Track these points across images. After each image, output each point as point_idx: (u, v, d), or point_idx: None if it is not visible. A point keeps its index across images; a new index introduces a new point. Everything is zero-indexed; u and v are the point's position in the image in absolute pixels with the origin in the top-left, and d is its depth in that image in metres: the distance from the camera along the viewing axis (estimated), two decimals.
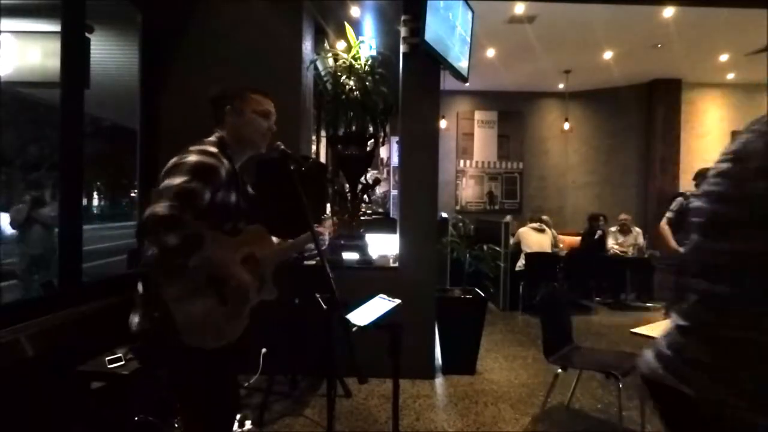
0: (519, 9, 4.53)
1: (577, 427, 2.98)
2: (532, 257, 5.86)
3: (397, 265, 3.68)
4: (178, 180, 1.35)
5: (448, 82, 4.56)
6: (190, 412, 1.51)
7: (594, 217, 6.72)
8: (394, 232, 3.84)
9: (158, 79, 3.48)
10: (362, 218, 4.23)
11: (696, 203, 0.96)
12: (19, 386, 2.01)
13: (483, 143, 7.75)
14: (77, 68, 2.54)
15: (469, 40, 4.14)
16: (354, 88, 3.70)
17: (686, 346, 0.87)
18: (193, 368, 1.43)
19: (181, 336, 1.35)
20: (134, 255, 3.37)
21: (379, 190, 7.15)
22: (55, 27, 2.50)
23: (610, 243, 6.52)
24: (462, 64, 4.05)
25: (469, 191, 7.80)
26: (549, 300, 3.08)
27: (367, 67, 3.74)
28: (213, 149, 1.51)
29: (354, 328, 1.72)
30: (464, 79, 4.20)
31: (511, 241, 6.04)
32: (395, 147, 7.30)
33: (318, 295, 2.97)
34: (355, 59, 3.73)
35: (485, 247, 4.88)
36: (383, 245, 3.97)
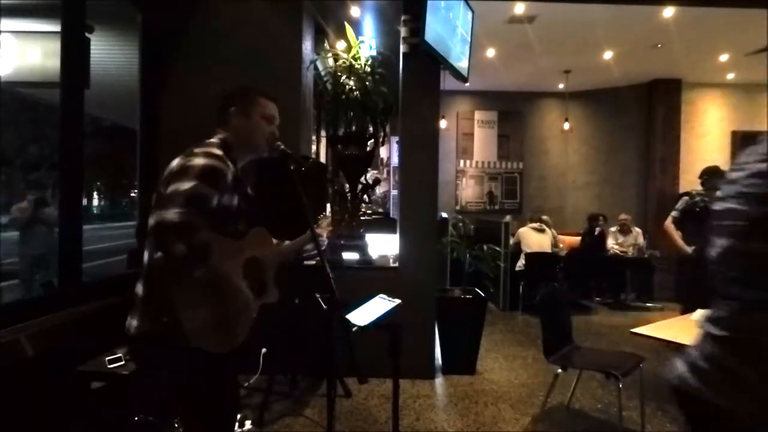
0: (519, 9, 4.53)
1: (577, 427, 2.98)
2: (532, 257, 5.86)
3: (397, 265, 3.68)
4: (187, 185, 1.33)
5: (448, 82, 4.56)
6: (190, 412, 1.51)
7: (594, 217, 6.72)
8: (394, 232, 3.84)
9: (158, 79, 3.48)
10: (362, 218, 4.23)
11: (726, 205, 0.89)
12: (19, 386, 2.01)
13: (483, 143, 7.75)
14: (77, 68, 2.53)
15: (469, 40, 4.15)
16: (354, 88, 3.70)
17: (725, 357, 0.83)
18: (194, 369, 1.42)
19: (189, 341, 1.35)
20: (134, 255, 3.37)
21: (379, 190, 7.15)
22: (55, 27, 2.50)
23: (610, 243, 6.52)
24: (462, 64, 4.05)
25: (469, 191, 7.80)
26: (549, 300, 3.08)
27: (367, 67, 3.74)
28: (218, 151, 1.48)
29: (354, 328, 1.72)
30: (464, 79, 4.20)
31: (511, 241, 6.04)
32: (395, 147, 7.30)
33: (318, 295, 2.97)
34: (355, 59, 3.73)
35: (485, 247, 4.88)
36: (383, 245, 3.97)
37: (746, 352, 0.80)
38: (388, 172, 8.04)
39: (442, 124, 6.87)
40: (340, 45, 4.09)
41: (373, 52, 3.97)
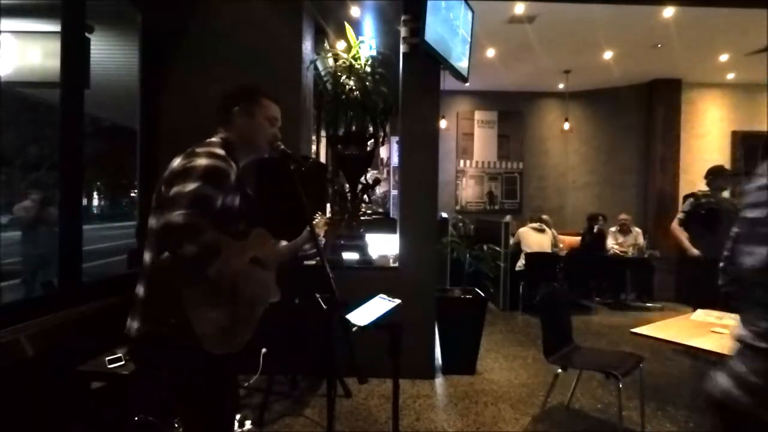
0: (519, 9, 4.53)
1: (577, 427, 2.98)
2: (532, 257, 5.86)
3: (397, 265, 3.68)
4: (191, 186, 1.32)
5: (448, 82, 4.57)
6: (191, 412, 1.51)
7: (593, 217, 6.73)
8: (394, 232, 3.84)
9: (158, 79, 3.48)
10: (362, 218, 4.23)
11: (761, 212, 0.85)
12: (19, 386, 2.01)
13: (483, 143, 7.74)
14: (77, 68, 2.53)
15: (469, 40, 4.14)
16: (354, 88, 3.69)
17: None
18: (196, 369, 1.42)
19: (200, 342, 1.34)
20: (134, 255, 3.37)
21: (379, 190, 7.15)
22: (55, 27, 2.50)
23: (610, 243, 6.52)
24: (462, 64, 4.05)
25: (469, 191, 7.80)
26: (549, 300, 3.08)
27: (367, 67, 3.74)
28: (220, 151, 1.47)
29: (354, 328, 1.72)
30: (464, 79, 4.20)
31: (511, 241, 6.05)
32: (395, 147, 7.30)
33: (318, 295, 2.97)
34: (355, 59, 3.73)
35: (485, 247, 4.88)
36: (383, 245, 3.97)
37: None
38: (388, 172, 8.03)
39: (442, 124, 6.87)
40: (340, 45, 4.08)
41: (373, 52, 3.96)
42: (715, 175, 4.20)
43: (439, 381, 3.59)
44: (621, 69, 6.31)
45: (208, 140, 1.55)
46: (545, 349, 2.84)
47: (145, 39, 3.39)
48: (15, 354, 1.97)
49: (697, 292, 3.80)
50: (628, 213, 6.68)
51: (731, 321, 2.67)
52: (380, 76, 3.77)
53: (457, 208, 7.72)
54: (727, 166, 6.94)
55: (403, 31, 3.60)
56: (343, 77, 3.72)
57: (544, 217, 6.46)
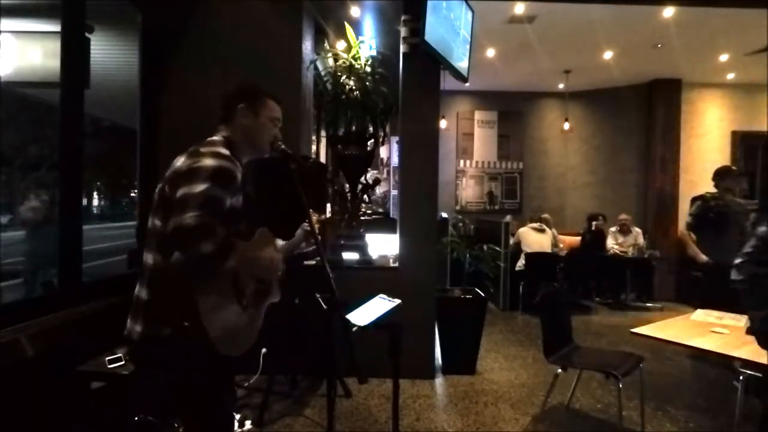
0: (519, 9, 4.53)
1: (577, 427, 2.98)
2: (532, 257, 5.86)
3: (397, 265, 3.68)
4: (200, 187, 1.31)
5: (448, 82, 4.57)
6: (194, 414, 1.49)
7: (593, 217, 6.73)
8: (394, 232, 3.84)
9: (158, 79, 3.48)
10: (362, 218, 4.23)
11: None
12: (19, 386, 2.01)
13: (483, 143, 7.74)
14: (77, 68, 2.53)
15: (469, 40, 4.14)
16: (354, 88, 3.70)
17: None
18: (200, 371, 1.42)
19: (215, 345, 1.35)
20: (134, 255, 3.37)
21: (379, 190, 7.15)
22: (55, 27, 2.49)
23: (610, 243, 6.52)
24: (462, 64, 4.05)
25: (469, 191, 7.80)
26: (549, 300, 3.08)
27: (367, 67, 3.74)
28: (225, 151, 1.46)
29: (354, 328, 1.72)
30: (464, 79, 4.20)
31: (511, 241, 6.05)
32: (395, 147, 7.30)
33: (318, 295, 2.97)
34: (355, 59, 3.73)
35: (485, 247, 4.87)
36: (383, 245, 3.97)
37: None
38: (388, 172, 8.03)
39: (442, 124, 6.87)
40: (340, 45, 4.08)
41: (373, 52, 3.97)
42: (722, 175, 4.07)
43: (439, 381, 3.59)
44: (621, 69, 6.31)
45: (211, 139, 1.54)
46: (545, 349, 2.84)
47: (145, 39, 3.39)
48: (15, 354, 1.97)
49: (706, 295, 3.70)
50: (628, 213, 6.68)
51: (731, 321, 2.68)
52: (380, 76, 3.77)
53: (457, 208, 7.72)
54: (717, 168, 6.95)
55: (403, 31, 3.60)
56: (343, 77, 3.73)
57: (545, 216, 6.47)
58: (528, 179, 7.80)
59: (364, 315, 1.84)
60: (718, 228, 3.85)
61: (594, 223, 6.60)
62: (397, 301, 1.95)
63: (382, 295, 2.02)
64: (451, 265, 5.38)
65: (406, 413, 3.00)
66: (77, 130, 2.54)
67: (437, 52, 3.53)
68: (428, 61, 3.59)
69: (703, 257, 3.98)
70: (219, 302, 1.38)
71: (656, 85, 6.97)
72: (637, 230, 6.54)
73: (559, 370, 2.86)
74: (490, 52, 5.76)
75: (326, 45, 4.09)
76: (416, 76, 3.63)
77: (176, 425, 2.36)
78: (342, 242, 3.83)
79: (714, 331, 2.51)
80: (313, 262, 3.25)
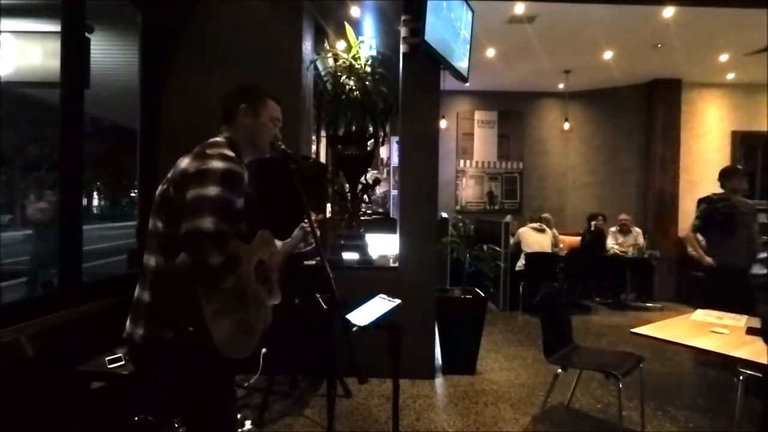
0: (519, 9, 4.53)
1: (577, 427, 2.98)
2: (532, 257, 5.86)
3: (397, 265, 3.68)
4: (213, 190, 1.30)
5: (448, 82, 4.56)
6: (198, 416, 1.49)
7: (593, 217, 6.74)
8: (394, 232, 3.84)
9: (158, 79, 3.48)
10: (362, 218, 4.23)
11: None
12: (19, 386, 2.01)
13: (483, 143, 7.74)
14: (77, 68, 2.53)
15: (469, 40, 4.14)
16: (354, 88, 3.70)
17: None
18: (203, 373, 1.41)
19: (220, 349, 1.35)
20: (134, 255, 3.37)
21: (379, 190, 7.15)
22: (55, 27, 2.49)
23: (610, 243, 6.52)
24: (462, 64, 4.05)
25: (469, 191, 7.80)
26: (549, 300, 3.08)
27: (367, 67, 3.74)
28: (231, 153, 1.45)
29: (354, 328, 1.72)
30: (464, 79, 4.20)
31: (511, 241, 6.05)
32: (395, 147, 7.30)
33: (318, 295, 2.97)
34: (355, 59, 3.73)
35: (485, 247, 4.88)
36: (383, 245, 3.97)
37: None
38: (388, 172, 8.03)
39: (442, 124, 6.87)
40: (340, 45, 4.08)
41: (373, 52, 3.97)
42: (728, 175, 3.97)
43: (439, 381, 3.59)
44: (621, 69, 6.31)
45: (214, 140, 1.52)
46: (545, 349, 2.84)
47: (145, 39, 3.39)
48: (15, 354, 1.97)
49: (711, 296, 3.63)
50: (628, 213, 6.68)
51: (731, 321, 2.67)
52: (380, 76, 3.77)
53: (457, 208, 7.72)
54: (722, 168, 6.95)
55: (403, 31, 3.60)
56: (343, 77, 3.73)
57: (546, 215, 6.47)
58: (528, 179, 7.80)
59: (364, 315, 1.84)
60: (726, 229, 3.77)
61: (593, 223, 6.61)
62: (397, 301, 1.95)
63: (382, 295, 2.01)
64: (451, 265, 5.38)
65: (406, 413, 3.00)
66: (77, 130, 2.54)
67: (437, 52, 3.53)
68: (428, 61, 3.59)
69: (708, 259, 3.90)
70: (223, 306, 1.37)
71: (656, 85, 6.98)
72: (637, 230, 6.54)
73: (559, 370, 2.86)
74: (490, 52, 5.76)
75: (326, 45, 4.09)
76: (416, 76, 3.63)
77: (176, 425, 2.36)
78: (342, 242, 3.83)
79: (714, 331, 2.51)
80: (313, 262, 3.25)
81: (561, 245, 6.50)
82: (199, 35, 3.56)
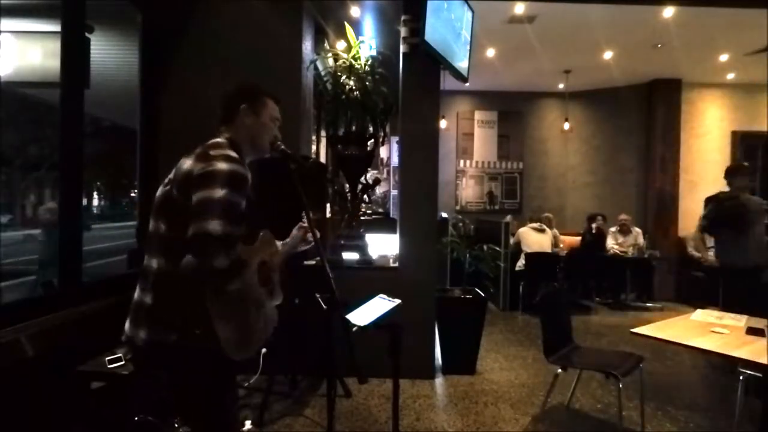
0: (519, 9, 4.53)
1: (577, 427, 2.98)
2: (532, 257, 5.86)
3: (397, 265, 3.68)
4: (220, 192, 1.29)
5: (448, 82, 4.56)
6: (201, 417, 1.48)
7: (593, 217, 6.74)
8: (394, 232, 3.84)
9: (158, 79, 3.48)
10: (362, 218, 4.23)
11: None
12: (19, 386, 2.01)
13: (483, 143, 7.74)
14: (77, 68, 2.53)
15: (469, 40, 4.14)
16: (354, 88, 3.70)
17: None
18: (207, 375, 1.41)
19: (226, 351, 1.35)
20: (134, 255, 3.37)
21: (379, 190, 7.15)
22: (55, 27, 2.50)
23: (610, 243, 6.52)
24: (462, 64, 4.05)
25: (469, 191, 7.80)
26: (549, 300, 3.08)
27: (367, 67, 3.74)
28: (234, 154, 1.45)
29: (354, 328, 1.71)
30: (464, 79, 4.19)
31: (511, 241, 6.05)
32: (395, 147, 7.30)
33: (318, 295, 2.97)
34: (355, 59, 3.73)
35: (485, 247, 4.87)
36: (383, 245, 3.96)
37: None
38: (388, 172, 8.04)
39: (442, 124, 6.87)
40: (340, 45, 4.08)
41: (373, 52, 3.96)
42: (734, 173, 3.85)
43: (439, 381, 3.59)
44: (621, 69, 6.31)
45: (215, 141, 1.51)
46: (545, 349, 2.84)
47: (145, 39, 3.39)
48: (15, 354, 1.97)
49: (716, 297, 3.54)
50: (628, 213, 6.68)
51: (731, 321, 2.67)
52: (380, 76, 3.77)
53: (457, 208, 7.72)
54: (727, 166, 6.95)
55: (403, 31, 3.60)
56: (343, 77, 3.73)
57: (547, 215, 6.47)
58: (528, 179, 7.80)
59: (364, 315, 1.84)
60: (736, 228, 3.65)
61: (594, 225, 6.61)
62: (397, 301, 1.95)
63: (382, 295, 2.01)
64: (451, 265, 5.38)
65: (406, 413, 3.00)
66: (77, 130, 2.54)
67: (437, 52, 3.53)
68: (428, 61, 3.59)
69: (710, 258, 3.83)
70: (228, 308, 1.38)
71: (656, 85, 6.98)
72: (637, 230, 6.54)
73: (559, 370, 2.86)
74: (490, 52, 5.76)
75: (326, 45, 4.09)
76: (416, 76, 3.63)
77: (176, 425, 2.35)
78: (342, 242, 3.83)
79: (714, 331, 2.51)
80: (313, 262, 3.25)
81: (561, 245, 6.50)
82: (199, 35, 3.56)
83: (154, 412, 2.34)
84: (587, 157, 7.65)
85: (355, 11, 4.30)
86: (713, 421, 3.00)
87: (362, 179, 3.93)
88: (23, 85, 3.87)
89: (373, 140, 3.84)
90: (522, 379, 3.64)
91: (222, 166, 1.35)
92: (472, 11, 4.11)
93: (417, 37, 3.45)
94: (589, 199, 7.52)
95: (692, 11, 4.53)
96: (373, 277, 3.57)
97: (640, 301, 6.46)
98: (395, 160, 7.36)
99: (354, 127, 3.72)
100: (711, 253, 4.06)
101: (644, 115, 7.17)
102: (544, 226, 6.16)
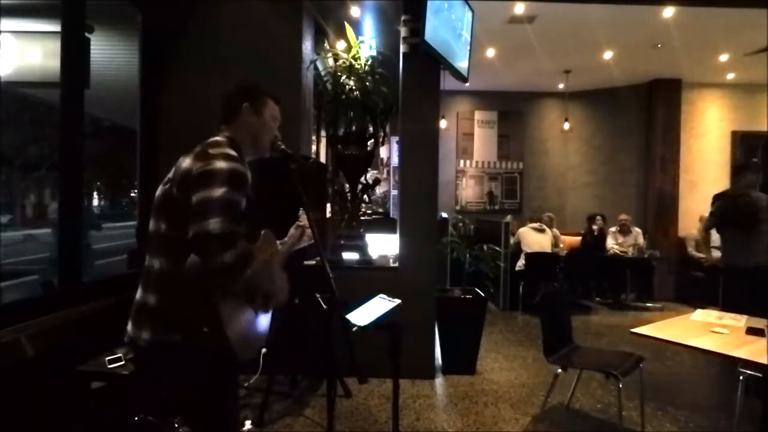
0: (519, 9, 4.53)
1: (577, 427, 2.98)
2: (532, 257, 5.86)
3: (397, 265, 3.68)
4: (219, 191, 1.29)
5: (448, 82, 4.56)
6: (200, 418, 1.48)
7: (593, 218, 6.73)
8: (394, 232, 3.84)
9: (158, 79, 3.48)
10: (362, 218, 4.23)
11: None
12: (19, 386, 2.01)
13: (483, 143, 7.75)
14: (77, 68, 2.53)
15: (469, 40, 4.14)
16: (354, 88, 3.70)
17: None
18: (211, 375, 1.41)
19: (234, 350, 1.35)
20: (134, 255, 3.37)
21: (379, 190, 7.15)
22: (55, 27, 2.49)
23: (610, 243, 6.52)
24: (462, 64, 4.05)
25: (469, 191, 7.80)
26: (549, 300, 3.08)
27: (367, 67, 3.74)
28: (233, 152, 1.44)
29: (354, 328, 1.72)
30: (464, 79, 4.20)
31: (511, 241, 6.05)
32: (395, 147, 7.30)
33: (318, 295, 2.97)
34: (355, 59, 3.73)
35: (485, 247, 4.87)
36: (383, 245, 3.97)
37: None
38: (388, 172, 8.04)
39: (442, 124, 6.87)
40: (340, 45, 4.08)
41: (373, 52, 3.96)
42: (742, 170, 3.77)
43: (439, 381, 3.59)
44: (621, 69, 6.31)
45: (215, 139, 1.51)
46: (545, 349, 2.84)
47: (145, 39, 3.39)
48: (15, 354, 1.97)
49: (722, 297, 3.47)
50: (628, 213, 6.68)
51: (731, 321, 2.67)
52: (380, 76, 3.77)
53: (457, 208, 7.72)
54: (727, 166, 6.96)
55: (403, 31, 3.60)
56: (343, 77, 3.73)
57: (548, 215, 6.47)
58: (528, 179, 7.80)
59: (364, 315, 1.84)
60: (745, 226, 3.55)
61: (595, 227, 6.60)
62: (397, 301, 1.95)
63: (382, 295, 2.01)
64: (451, 265, 5.38)
65: (406, 413, 3.00)
66: (77, 130, 2.54)
67: (437, 52, 3.53)
68: (428, 61, 3.59)
69: (713, 257, 3.77)
70: (236, 306, 1.39)
71: (656, 85, 6.98)
72: (637, 230, 6.54)
73: (559, 370, 2.86)
74: (490, 52, 5.76)
75: (326, 45, 4.09)
76: (416, 76, 3.63)
77: (176, 425, 2.35)
78: (342, 242, 3.83)
79: (714, 331, 2.51)
80: (313, 262, 3.25)
81: (561, 245, 6.50)
82: (199, 35, 3.56)
83: (154, 412, 2.34)
84: (587, 157, 7.65)
85: (355, 11, 4.30)
86: (713, 421, 3.00)
87: (362, 179, 3.93)
88: (23, 85, 3.87)
89: (373, 140, 3.84)
90: (522, 379, 3.64)
91: (221, 164, 1.35)
92: (472, 11, 4.11)
93: (417, 37, 3.45)
94: (589, 199, 7.52)
95: (692, 11, 4.53)
96: (373, 277, 3.57)
97: (640, 301, 6.46)
98: (395, 160, 7.36)
99: (354, 127, 3.72)
100: (715, 253, 4.00)
101: (644, 115, 7.17)
102: (544, 226, 6.16)
